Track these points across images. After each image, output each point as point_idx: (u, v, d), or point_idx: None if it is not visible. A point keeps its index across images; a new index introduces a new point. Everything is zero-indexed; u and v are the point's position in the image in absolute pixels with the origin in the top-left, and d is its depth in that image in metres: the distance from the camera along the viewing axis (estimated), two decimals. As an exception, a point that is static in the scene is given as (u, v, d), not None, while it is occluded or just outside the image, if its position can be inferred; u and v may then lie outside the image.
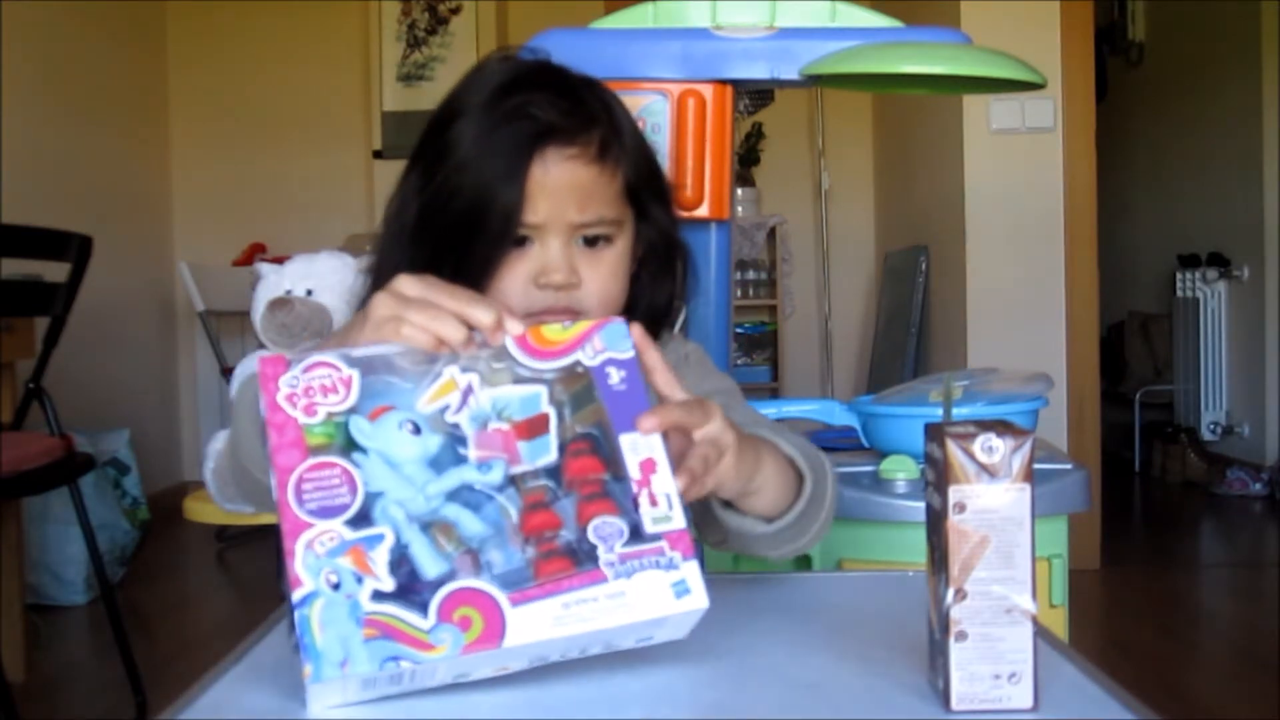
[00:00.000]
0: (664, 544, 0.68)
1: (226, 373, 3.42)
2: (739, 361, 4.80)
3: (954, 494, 0.65)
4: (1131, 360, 5.23)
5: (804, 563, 1.45)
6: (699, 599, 0.68)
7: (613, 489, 0.69)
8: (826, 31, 1.50)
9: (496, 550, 0.67)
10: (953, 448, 0.65)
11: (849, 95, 4.83)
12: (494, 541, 0.67)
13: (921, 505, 0.71)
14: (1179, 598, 3.24)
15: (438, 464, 0.68)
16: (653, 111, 1.46)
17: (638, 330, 0.74)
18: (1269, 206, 4.34)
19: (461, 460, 0.69)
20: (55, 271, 2.32)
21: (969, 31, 1.58)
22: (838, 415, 1.57)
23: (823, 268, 4.97)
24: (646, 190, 0.96)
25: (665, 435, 0.71)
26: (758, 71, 1.49)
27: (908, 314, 4.10)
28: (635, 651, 0.71)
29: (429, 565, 0.66)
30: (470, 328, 0.72)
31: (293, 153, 4.86)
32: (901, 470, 1.41)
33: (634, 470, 0.69)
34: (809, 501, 0.86)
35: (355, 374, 0.69)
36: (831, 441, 1.56)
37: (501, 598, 0.66)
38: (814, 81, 1.53)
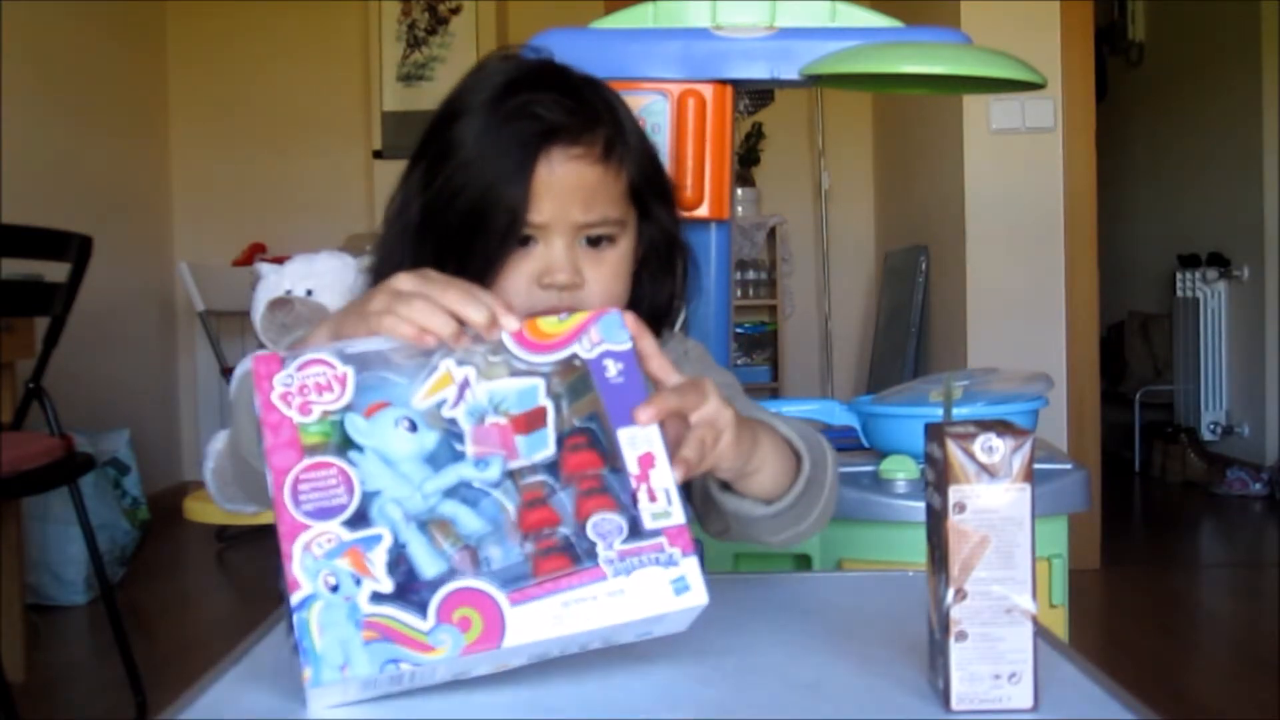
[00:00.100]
0: (663, 540, 0.68)
1: (226, 373, 3.42)
2: (739, 361, 4.80)
3: (954, 494, 0.65)
4: (1131, 360, 5.22)
5: (804, 563, 1.45)
6: (698, 595, 0.68)
7: (611, 483, 0.69)
8: (826, 31, 1.50)
9: (495, 546, 0.67)
10: (953, 448, 0.65)
11: (849, 95, 4.83)
12: (492, 538, 0.67)
13: (921, 505, 0.71)
14: (1179, 598, 3.24)
15: (435, 461, 0.68)
16: (653, 111, 1.46)
17: (631, 318, 0.73)
18: (1269, 206, 4.34)
19: (459, 456, 0.68)
20: (55, 271, 2.32)
21: (969, 32, 1.58)
22: (838, 415, 1.57)
23: (823, 268, 4.97)
24: (650, 190, 0.95)
25: (662, 423, 0.71)
26: (758, 71, 1.49)
27: (908, 314, 4.10)
28: (635, 651, 0.71)
29: (427, 565, 0.66)
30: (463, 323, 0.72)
31: (293, 153, 4.86)
32: (901, 470, 1.41)
33: (632, 465, 0.69)
34: (808, 483, 0.86)
35: (350, 371, 0.69)
36: (831, 442, 1.55)
37: (501, 597, 0.65)
38: (814, 81, 1.53)
